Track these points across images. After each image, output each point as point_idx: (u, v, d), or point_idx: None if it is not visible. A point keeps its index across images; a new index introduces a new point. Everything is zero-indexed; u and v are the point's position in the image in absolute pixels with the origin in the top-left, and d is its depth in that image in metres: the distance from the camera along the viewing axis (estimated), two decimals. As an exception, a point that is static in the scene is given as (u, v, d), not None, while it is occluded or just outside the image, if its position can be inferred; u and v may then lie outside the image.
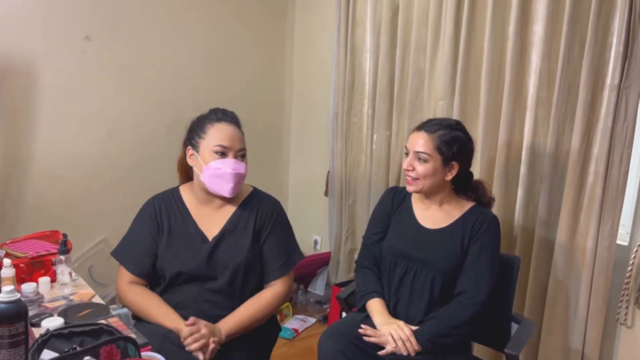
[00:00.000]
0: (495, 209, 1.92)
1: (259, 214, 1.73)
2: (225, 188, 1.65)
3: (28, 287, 1.58)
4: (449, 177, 1.72)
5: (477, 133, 2.15)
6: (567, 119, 1.93)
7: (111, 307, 1.69)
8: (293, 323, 2.93)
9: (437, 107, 2.37)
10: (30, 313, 1.41)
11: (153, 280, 1.73)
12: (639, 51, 1.71)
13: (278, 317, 2.75)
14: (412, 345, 1.60)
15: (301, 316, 3.02)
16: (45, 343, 1.12)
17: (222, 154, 1.64)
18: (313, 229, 3.37)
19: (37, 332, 1.30)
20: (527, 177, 2.07)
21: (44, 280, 1.65)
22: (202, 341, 1.50)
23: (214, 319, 1.62)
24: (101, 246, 2.78)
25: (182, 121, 1.79)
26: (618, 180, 1.79)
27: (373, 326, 1.69)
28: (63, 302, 1.58)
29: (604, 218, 1.83)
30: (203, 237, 1.70)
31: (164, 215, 1.73)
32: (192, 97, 2.92)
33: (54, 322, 1.33)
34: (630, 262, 1.82)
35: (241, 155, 1.69)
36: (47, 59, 2.53)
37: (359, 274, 1.87)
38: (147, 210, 1.75)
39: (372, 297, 1.77)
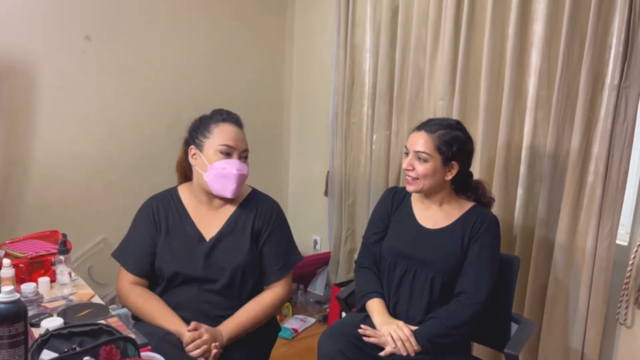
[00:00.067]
0: (495, 209, 1.92)
1: (258, 215, 1.73)
2: (228, 189, 1.66)
3: (27, 287, 1.58)
4: (449, 177, 1.72)
5: (477, 133, 2.15)
6: (566, 119, 1.93)
7: (110, 307, 1.70)
8: (293, 323, 2.93)
9: (436, 107, 2.37)
10: (30, 313, 1.41)
11: (153, 280, 1.73)
12: (639, 51, 1.71)
13: (278, 317, 2.75)
14: (412, 346, 1.60)
15: (301, 316, 3.02)
16: (45, 343, 1.12)
17: (227, 154, 1.65)
18: (313, 229, 3.37)
19: (36, 332, 1.29)
20: (526, 177, 2.07)
21: (44, 280, 1.65)
22: (204, 347, 1.50)
23: (215, 319, 1.63)
24: (101, 246, 2.78)
25: (182, 121, 1.79)
26: (618, 180, 1.79)
27: (373, 326, 1.69)
28: (62, 302, 1.58)
29: (604, 218, 1.83)
30: (201, 237, 1.70)
31: (162, 215, 1.73)
32: (192, 97, 2.93)
33: (53, 322, 1.33)
34: (630, 262, 1.82)
35: (244, 156, 1.70)
36: (47, 59, 2.53)
37: (358, 274, 1.87)
38: (145, 210, 1.75)
39: (372, 297, 1.77)
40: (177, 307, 1.64)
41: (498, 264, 1.72)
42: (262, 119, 3.30)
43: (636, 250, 1.81)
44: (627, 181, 1.80)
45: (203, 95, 2.97)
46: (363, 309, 1.78)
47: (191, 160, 1.70)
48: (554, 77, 1.94)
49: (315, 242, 3.37)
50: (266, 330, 1.74)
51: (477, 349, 2.09)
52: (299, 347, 2.74)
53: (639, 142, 1.86)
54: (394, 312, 1.75)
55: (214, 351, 1.51)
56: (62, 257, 1.65)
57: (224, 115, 1.71)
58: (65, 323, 1.33)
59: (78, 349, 1.09)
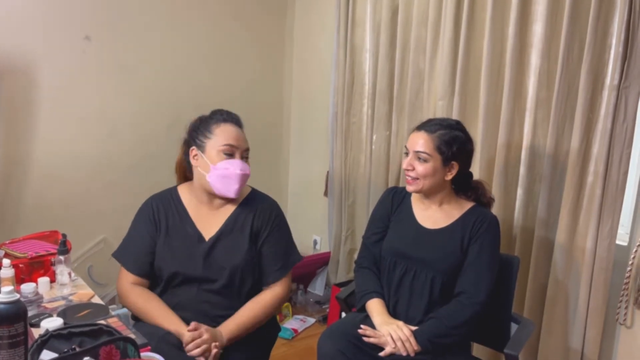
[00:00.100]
0: (494, 209, 1.92)
1: (257, 215, 1.73)
2: (232, 189, 1.66)
3: (27, 288, 1.58)
4: (449, 177, 1.72)
5: (477, 133, 2.15)
6: (566, 119, 1.93)
7: (110, 307, 1.70)
8: (292, 323, 2.93)
9: (436, 107, 2.37)
10: (30, 313, 1.41)
11: (153, 280, 1.73)
12: (639, 51, 1.71)
13: (278, 317, 2.75)
14: (412, 346, 1.60)
15: (301, 316, 3.02)
16: (45, 343, 1.12)
17: (229, 154, 1.66)
18: (312, 229, 3.37)
19: (36, 333, 1.29)
20: (526, 177, 2.07)
21: (44, 280, 1.65)
22: (204, 346, 1.50)
23: (214, 319, 1.63)
24: (100, 246, 2.78)
25: (182, 121, 1.80)
26: (617, 181, 1.79)
27: (373, 326, 1.69)
28: (62, 302, 1.58)
29: (604, 218, 1.83)
30: (200, 237, 1.70)
31: (161, 215, 1.73)
32: (192, 97, 2.93)
33: (53, 323, 1.33)
34: (630, 262, 1.82)
35: (246, 156, 1.71)
36: (47, 59, 2.53)
37: (358, 274, 1.87)
38: (145, 210, 1.75)
39: (372, 297, 1.77)
40: (176, 307, 1.64)
41: (498, 264, 1.72)
42: (262, 119, 3.30)
43: (636, 251, 1.81)
44: (627, 181, 1.80)
45: (203, 95, 2.97)
46: (363, 309, 1.78)
47: (193, 161, 1.70)
48: (553, 77, 1.94)
49: (315, 242, 3.37)
50: (266, 330, 1.74)
51: (477, 349, 2.10)
52: (299, 347, 2.74)
53: (638, 142, 1.86)
54: (393, 312, 1.75)
55: (214, 351, 1.51)
56: (61, 257, 1.65)
57: (224, 115, 1.71)
58: (65, 323, 1.33)
59: (78, 349, 1.09)
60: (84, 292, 1.65)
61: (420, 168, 1.69)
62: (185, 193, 1.77)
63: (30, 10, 2.46)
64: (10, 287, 1.13)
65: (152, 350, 1.30)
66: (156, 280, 1.71)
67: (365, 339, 1.64)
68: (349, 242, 3.01)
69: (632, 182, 1.88)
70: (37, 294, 1.61)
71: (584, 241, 1.88)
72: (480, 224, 1.70)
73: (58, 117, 2.59)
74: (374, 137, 2.75)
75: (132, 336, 1.23)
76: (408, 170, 1.72)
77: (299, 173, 3.49)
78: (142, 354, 1.21)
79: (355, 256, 2.73)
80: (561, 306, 1.96)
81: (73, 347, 1.12)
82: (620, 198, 1.80)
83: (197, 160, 1.69)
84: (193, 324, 1.53)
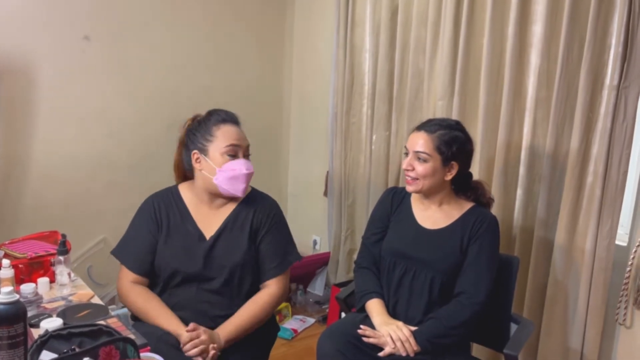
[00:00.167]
0: (494, 210, 1.92)
1: (257, 213, 1.74)
2: (239, 188, 1.67)
3: (27, 288, 1.58)
4: (449, 177, 1.72)
5: (477, 133, 2.15)
6: (566, 119, 1.93)
7: (110, 307, 1.70)
8: (292, 323, 2.93)
9: (436, 108, 2.37)
10: (29, 314, 1.40)
11: (153, 279, 1.73)
12: (638, 52, 1.71)
13: (277, 317, 2.75)
14: (412, 346, 1.60)
15: (300, 316, 3.02)
16: (44, 344, 1.12)
17: (233, 154, 1.66)
18: (312, 229, 3.37)
19: (36, 333, 1.29)
20: (526, 178, 2.07)
21: (43, 280, 1.65)
22: (202, 347, 1.50)
23: (213, 319, 1.63)
24: (100, 246, 2.78)
25: (181, 121, 1.80)
26: (617, 181, 1.79)
27: (372, 327, 1.69)
28: (62, 302, 1.58)
29: (603, 218, 1.83)
30: (201, 236, 1.70)
31: (163, 214, 1.73)
32: (192, 97, 2.92)
33: (52, 323, 1.33)
34: (629, 263, 1.82)
35: (248, 153, 1.72)
36: (46, 59, 2.53)
37: (358, 274, 1.87)
38: (147, 208, 1.75)
39: (371, 297, 1.77)
40: (175, 307, 1.64)
41: (497, 264, 1.73)
42: (262, 119, 3.30)
43: (635, 251, 1.81)
44: (627, 181, 1.80)
45: (203, 95, 2.97)
46: (362, 309, 1.78)
47: (196, 165, 1.71)
48: (553, 77, 1.94)
49: (315, 242, 3.37)
50: (265, 330, 1.74)
51: (477, 350, 2.10)
52: (299, 348, 2.74)
53: (638, 143, 1.87)
54: (393, 312, 1.75)
55: (212, 352, 1.51)
56: (61, 258, 1.65)
57: (222, 116, 1.71)
58: (64, 324, 1.33)
59: (77, 350, 1.09)
60: (83, 293, 1.65)
61: (420, 168, 1.69)
62: (186, 192, 1.77)
63: (29, 10, 2.46)
64: (10, 288, 1.13)
65: (151, 351, 1.30)
66: (155, 280, 1.71)
67: (364, 339, 1.64)
68: (349, 242, 3.01)
69: (632, 182, 1.88)
70: (36, 294, 1.61)
71: (583, 241, 1.89)
72: (479, 224, 1.71)
73: (58, 117, 2.59)
74: (374, 137, 2.75)
75: (132, 337, 1.23)
76: (408, 170, 1.72)
77: (299, 173, 3.49)
78: (142, 355, 1.21)
79: (355, 256, 2.73)
80: (561, 306, 1.96)
81: (73, 347, 1.12)
82: (620, 198, 1.80)
83: (201, 163, 1.69)
84: (192, 325, 1.53)
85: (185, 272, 1.66)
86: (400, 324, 1.66)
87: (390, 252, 1.79)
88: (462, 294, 1.68)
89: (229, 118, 1.72)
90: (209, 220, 1.73)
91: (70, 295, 1.63)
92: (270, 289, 1.72)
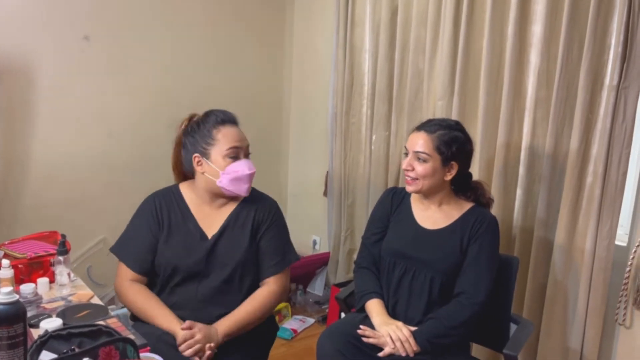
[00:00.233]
0: (494, 210, 1.92)
1: (257, 212, 1.74)
2: (243, 188, 1.68)
3: (27, 288, 1.58)
4: (448, 177, 1.72)
5: (476, 133, 2.15)
6: (565, 119, 1.93)
7: (110, 307, 1.70)
8: (292, 323, 2.92)
9: (436, 108, 2.37)
10: (29, 314, 1.40)
11: (152, 278, 1.72)
12: (638, 52, 1.71)
13: (277, 317, 2.75)
14: (411, 346, 1.60)
15: (300, 316, 3.01)
16: (44, 344, 1.12)
17: (235, 156, 1.67)
18: (312, 229, 3.37)
19: (35, 333, 1.29)
20: (526, 178, 2.07)
21: (43, 281, 1.65)
22: (197, 346, 1.50)
23: (213, 318, 1.62)
24: (100, 246, 2.78)
25: (181, 121, 1.79)
26: (617, 181, 1.79)
27: (372, 327, 1.69)
28: (62, 303, 1.58)
29: (603, 218, 1.83)
30: (202, 235, 1.70)
31: (164, 213, 1.73)
32: (192, 98, 2.92)
33: (52, 323, 1.33)
34: (629, 263, 1.82)
35: (248, 152, 1.73)
36: (45, 59, 2.53)
37: (358, 274, 1.87)
38: (148, 207, 1.75)
39: (371, 297, 1.77)
40: (175, 306, 1.64)
41: (497, 265, 1.73)
42: (262, 119, 3.30)
43: (635, 251, 1.81)
44: (626, 182, 1.80)
45: (203, 95, 2.97)
46: (362, 310, 1.78)
47: (197, 168, 1.70)
48: (553, 77, 1.94)
49: (315, 243, 3.37)
50: (264, 330, 1.74)
51: (476, 350, 2.10)
52: (298, 348, 2.74)
53: (637, 143, 1.87)
54: (393, 312, 1.75)
55: (208, 352, 1.51)
56: (61, 258, 1.65)
57: (221, 117, 1.71)
58: (64, 324, 1.33)
59: (77, 350, 1.09)
60: (83, 293, 1.65)
61: (420, 168, 1.69)
62: (187, 191, 1.77)
63: (29, 10, 2.46)
64: (10, 288, 1.13)
65: (151, 351, 1.30)
66: (154, 279, 1.71)
67: (364, 339, 1.64)
68: (349, 242, 3.00)
69: (631, 183, 1.88)
70: (36, 294, 1.60)
71: (583, 241, 1.89)
72: (479, 225, 1.71)
73: (57, 117, 2.59)
74: (374, 137, 2.75)
75: (132, 337, 1.23)
76: (407, 170, 1.72)
77: (299, 173, 3.49)
78: (142, 355, 1.21)
79: (355, 256, 2.74)
80: (560, 306, 1.96)
81: (72, 347, 1.12)
82: (620, 198, 1.80)
83: (202, 166, 1.69)
84: (187, 323, 1.53)
85: (186, 271, 1.66)
86: (400, 324, 1.66)
87: (390, 252, 1.79)
88: (462, 294, 1.68)
89: (228, 118, 1.71)
90: (211, 220, 1.73)
91: (70, 295, 1.63)
92: (270, 286, 1.72)
